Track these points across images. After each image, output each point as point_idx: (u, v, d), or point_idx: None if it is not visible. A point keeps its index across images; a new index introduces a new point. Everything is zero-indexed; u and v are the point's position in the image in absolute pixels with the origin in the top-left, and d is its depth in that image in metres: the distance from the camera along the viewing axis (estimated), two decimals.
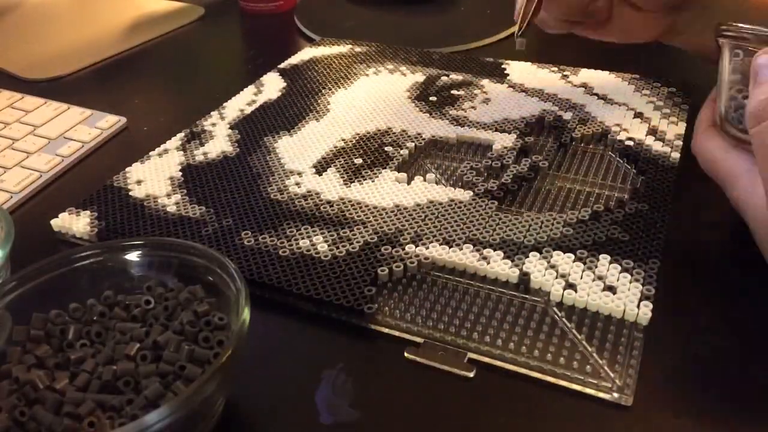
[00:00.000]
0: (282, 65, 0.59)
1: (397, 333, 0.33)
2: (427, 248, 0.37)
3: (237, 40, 0.72)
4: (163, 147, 0.48)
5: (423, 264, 0.36)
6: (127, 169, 0.45)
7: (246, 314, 0.27)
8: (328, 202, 0.41)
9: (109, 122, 0.52)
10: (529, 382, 0.30)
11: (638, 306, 0.32)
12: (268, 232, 0.39)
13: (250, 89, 0.55)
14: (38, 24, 0.72)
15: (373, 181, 0.42)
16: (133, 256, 0.32)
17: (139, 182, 0.44)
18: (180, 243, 0.32)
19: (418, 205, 0.40)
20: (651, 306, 0.32)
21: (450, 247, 0.37)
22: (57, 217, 0.41)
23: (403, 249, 0.37)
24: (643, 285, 0.33)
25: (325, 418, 0.29)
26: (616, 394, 0.29)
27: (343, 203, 0.41)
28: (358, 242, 0.37)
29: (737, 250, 0.37)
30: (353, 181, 0.43)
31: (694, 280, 0.35)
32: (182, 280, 0.31)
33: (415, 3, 0.72)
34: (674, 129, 0.46)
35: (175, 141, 0.48)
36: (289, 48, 0.65)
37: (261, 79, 0.57)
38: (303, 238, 0.38)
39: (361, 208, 0.40)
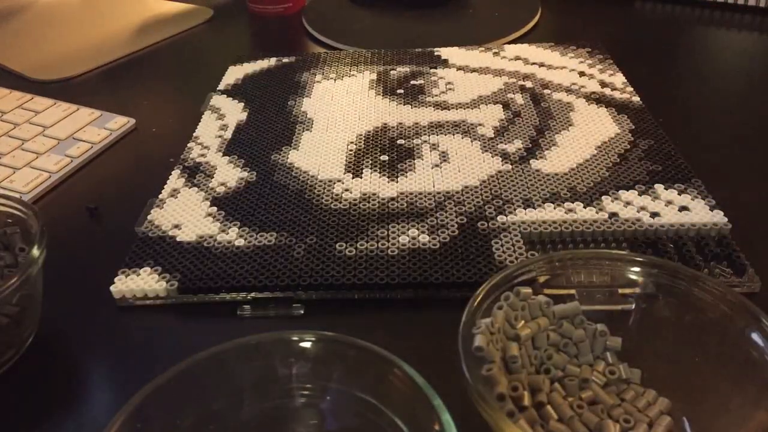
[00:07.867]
0: (221, 87, 0.56)
1: None
2: (517, 215, 0.39)
3: (245, 42, 0.69)
4: (168, 187, 0.43)
5: (532, 226, 0.38)
6: (148, 218, 0.40)
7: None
8: (392, 199, 0.41)
9: (118, 123, 0.51)
10: None
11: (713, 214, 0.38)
12: (360, 237, 0.38)
13: (212, 116, 0.52)
14: (48, 25, 0.72)
15: (414, 172, 0.43)
16: None
17: (177, 227, 0.40)
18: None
19: (480, 181, 0.42)
20: (722, 212, 0.38)
21: (534, 208, 0.39)
22: (116, 281, 0.35)
23: (503, 218, 0.39)
24: (703, 198, 0.39)
25: None
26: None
27: (405, 197, 0.41)
28: (452, 225, 0.38)
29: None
30: (397, 176, 0.43)
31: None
32: None
33: (423, 6, 0.71)
34: (616, 78, 0.53)
35: (177, 179, 0.44)
36: (297, 50, 0.64)
37: (210, 104, 0.53)
38: (400, 235, 0.38)
39: (425, 197, 0.41)
